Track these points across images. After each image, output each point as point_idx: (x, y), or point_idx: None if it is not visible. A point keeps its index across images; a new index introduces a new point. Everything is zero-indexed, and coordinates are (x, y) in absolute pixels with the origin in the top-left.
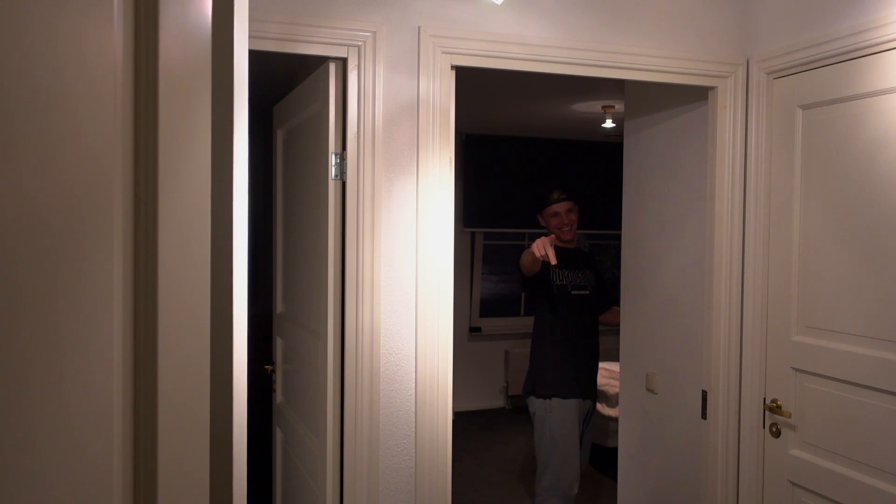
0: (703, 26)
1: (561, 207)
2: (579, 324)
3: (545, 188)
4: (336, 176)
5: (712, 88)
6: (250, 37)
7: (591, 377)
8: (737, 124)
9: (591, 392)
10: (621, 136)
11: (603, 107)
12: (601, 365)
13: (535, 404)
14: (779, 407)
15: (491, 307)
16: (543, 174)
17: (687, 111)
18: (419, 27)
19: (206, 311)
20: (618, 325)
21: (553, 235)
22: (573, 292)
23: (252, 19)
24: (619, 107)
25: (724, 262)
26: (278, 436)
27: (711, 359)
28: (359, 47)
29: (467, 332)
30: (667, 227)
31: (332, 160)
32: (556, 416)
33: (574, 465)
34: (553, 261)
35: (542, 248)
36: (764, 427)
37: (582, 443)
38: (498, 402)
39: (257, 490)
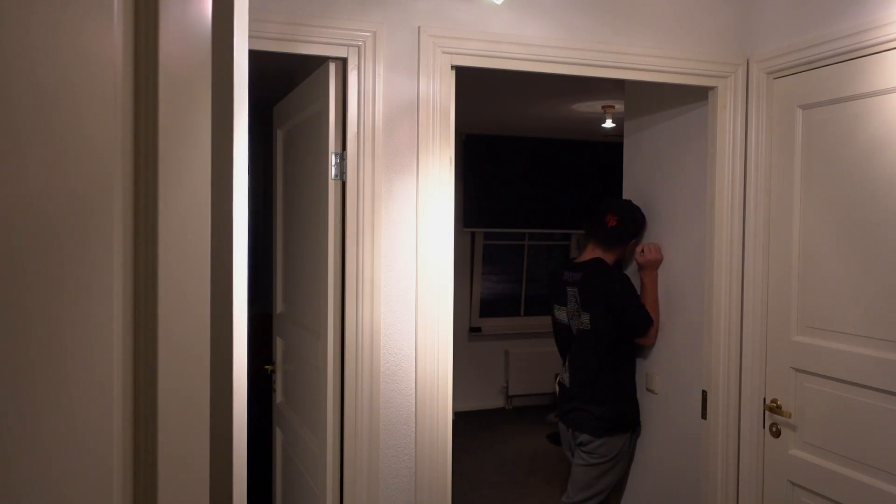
0: (703, 26)
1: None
2: (579, 358)
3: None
4: (336, 176)
5: (712, 88)
6: (250, 37)
7: (573, 406)
8: (737, 124)
9: (570, 421)
10: (621, 136)
11: (603, 107)
12: None
13: None
14: (779, 407)
15: (491, 307)
16: (543, 174)
17: (687, 111)
18: (419, 27)
19: (206, 311)
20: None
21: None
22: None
23: (252, 19)
24: (619, 107)
25: (724, 261)
26: (278, 436)
27: (711, 359)
28: (359, 47)
29: (467, 332)
30: (666, 226)
31: (332, 160)
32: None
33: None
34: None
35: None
36: (764, 427)
37: (573, 471)
38: (498, 402)
39: (257, 490)
